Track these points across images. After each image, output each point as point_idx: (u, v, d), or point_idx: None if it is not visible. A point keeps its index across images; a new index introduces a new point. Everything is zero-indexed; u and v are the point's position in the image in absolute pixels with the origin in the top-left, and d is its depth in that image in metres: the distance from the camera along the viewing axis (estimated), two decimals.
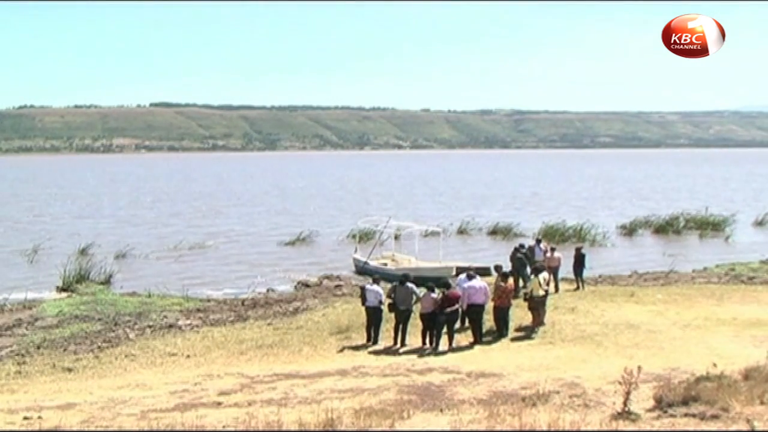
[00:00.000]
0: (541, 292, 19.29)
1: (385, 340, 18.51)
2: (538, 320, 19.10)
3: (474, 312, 18.21)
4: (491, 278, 22.08)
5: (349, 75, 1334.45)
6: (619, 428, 9.20)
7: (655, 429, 9.08)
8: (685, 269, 32.42)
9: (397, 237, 36.90)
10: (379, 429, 9.81)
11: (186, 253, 40.53)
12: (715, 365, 11.77)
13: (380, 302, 18.79)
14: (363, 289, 19.59)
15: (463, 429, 9.62)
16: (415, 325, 18.36)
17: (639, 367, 10.03)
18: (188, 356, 18.15)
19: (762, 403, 9.68)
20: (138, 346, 19.32)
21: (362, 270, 31.95)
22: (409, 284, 18.61)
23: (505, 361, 15.71)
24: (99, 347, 19.30)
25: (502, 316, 18.65)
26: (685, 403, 9.81)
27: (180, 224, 55.55)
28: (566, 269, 26.41)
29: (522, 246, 26.21)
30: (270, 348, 18.49)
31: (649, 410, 9.87)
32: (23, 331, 21.50)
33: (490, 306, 18.68)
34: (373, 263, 31.81)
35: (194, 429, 10.45)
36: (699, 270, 32.56)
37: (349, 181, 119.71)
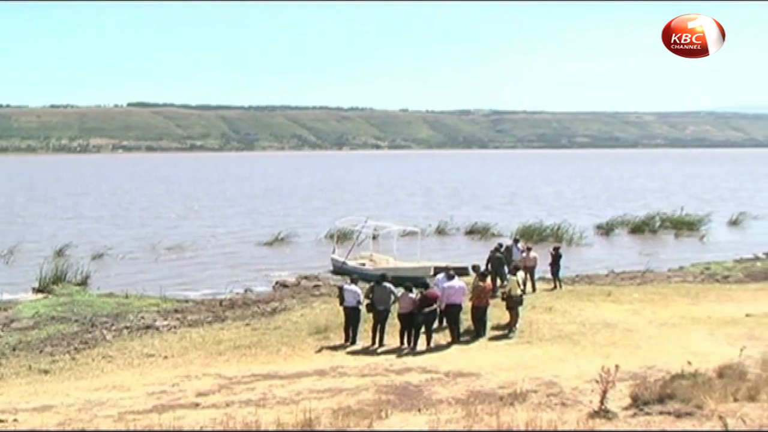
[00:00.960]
0: (519, 292, 19.39)
1: (363, 340, 18.51)
2: (515, 320, 19.19)
3: (452, 312, 18.26)
4: (469, 278, 22.18)
5: (327, 75, 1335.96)
6: (596, 427, 9.29)
7: (631, 427, 9.17)
8: (661, 268, 32.74)
9: (375, 237, 36.94)
10: (358, 429, 9.84)
11: (163, 253, 40.31)
12: (689, 363, 11.89)
13: (358, 302, 18.79)
14: (341, 289, 19.57)
15: (440, 429, 9.67)
16: (393, 325, 18.37)
17: (616, 366, 10.14)
18: (166, 357, 18.07)
19: (735, 400, 9.81)
20: (115, 347, 19.22)
21: (340, 270, 31.94)
22: (387, 284, 18.63)
23: (483, 361, 15.77)
24: (76, 348, 19.17)
25: (480, 315, 18.72)
26: (660, 401, 9.93)
27: (158, 225, 55.21)
28: (543, 269, 26.56)
29: (500, 246, 26.34)
30: (248, 348, 18.45)
31: (626, 408, 9.97)
32: None
33: (468, 306, 18.74)
34: (351, 263, 31.81)
35: (172, 430, 10.43)
36: (675, 269, 32.88)
37: (326, 182, 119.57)
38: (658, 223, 49.08)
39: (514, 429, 8.97)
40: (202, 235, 48.14)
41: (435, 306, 18.02)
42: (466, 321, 18.76)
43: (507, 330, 19.00)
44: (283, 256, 39.88)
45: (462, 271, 25.23)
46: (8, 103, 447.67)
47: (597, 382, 9.94)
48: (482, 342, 18.19)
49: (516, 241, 27.93)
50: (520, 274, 20.19)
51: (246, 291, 29.17)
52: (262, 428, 9.99)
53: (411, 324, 17.94)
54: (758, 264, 34.48)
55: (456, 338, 18.21)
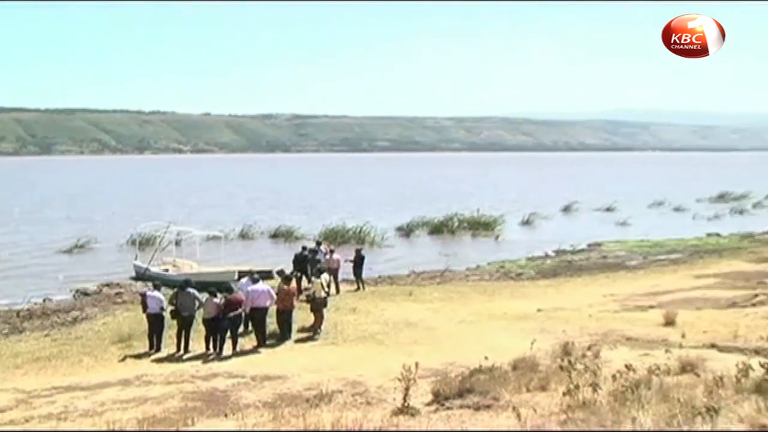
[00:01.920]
0: (323, 294, 19.55)
1: (168, 347, 18.06)
2: (320, 322, 19.33)
3: (257, 315, 18.16)
4: (274, 281, 22.14)
5: (128, 78, 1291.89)
6: (399, 423, 9.49)
7: (432, 422, 9.42)
8: (459, 268, 33.98)
9: (178, 242, 36.12)
10: None
11: None
12: (486, 358, 12.39)
13: (162, 309, 18.36)
14: (144, 295, 19.06)
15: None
16: (198, 331, 18.05)
17: (417, 364, 10.39)
18: None
19: (528, 390, 10.30)
20: None
21: (143, 276, 30.96)
22: (191, 290, 18.32)
23: (290, 364, 15.79)
24: None
25: (285, 318, 18.70)
26: (460, 395, 10.26)
27: None
28: (346, 270, 26.89)
29: (304, 248, 26.49)
30: (48, 360, 17.55)
31: (428, 404, 10.26)
32: None
33: (273, 309, 18.70)
34: (154, 269, 30.94)
35: None
36: (472, 268, 34.23)
37: (128, 186, 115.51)
38: (456, 224, 50.77)
39: (320, 429, 9.03)
40: None
41: (240, 310, 17.87)
42: (271, 324, 18.69)
43: (312, 332, 19.09)
44: (84, 263, 38.18)
45: (266, 275, 25.15)
46: None
47: (400, 380, 10.16)
48: (288, 345, 18.19)
49: (319, 243, 28.19)
50: (324, 277, 20.36)
51: (45, 300, 27.60)
52: None
53: (216, 329, 17.69)
54: (548, 261, 36.56)
55: (262, 342, 18.11)
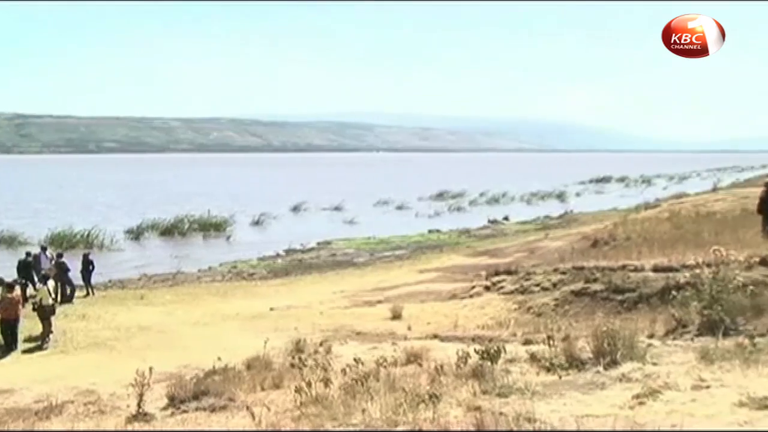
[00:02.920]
0: (50, 301, 18.71)
1: None
2: (48, 330, 18.47)
3: None
4: None
5: None
6: (135, 429, 9.37)
7: (168, 426, 9.38)
8: (191, 269, 33.60)
9: None
10: None
11: None
12: (220, 359, 12.48)
13: None
14: None
15: None
16: None
17: (150, 368, 10.28)
18: None
19: (263, 389, 10.49)
20: None
21: None
22: None
23: (17, 375, 14.98)
24: None
25: (9, 328, 17.73)
26: (196, 397, 10.26)
27: None
28: (75, 275, 25.77)
29: (28, 254, 25.12)
30: None
31: (164, 408, 10.18)
32: None
33: None
34: None
35: None
36: (204, 269, 33.99)
37: None
38: (187, 226, 50.11)
39: None
40: None
41: None
42: None
43: (40, 341, 18.24)
44: None
45: None
46: None
47: (133, 386, 10.02)
48: (15, 356, 17.27)
49: (44, 249, 26.78)
50: (51, 283, 19.47)
51: None
52: None
53: None
54: (279, 261, 37.06)
55: None
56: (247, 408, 8.93)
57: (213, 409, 9.71)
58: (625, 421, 6.25)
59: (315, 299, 24.06)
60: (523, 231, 48.38)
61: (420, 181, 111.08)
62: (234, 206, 64.13)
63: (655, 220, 33.64)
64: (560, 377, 8.35)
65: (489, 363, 8.91)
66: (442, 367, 9.27)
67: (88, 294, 25.15)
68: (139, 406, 9.90)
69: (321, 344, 14.51)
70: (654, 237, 27.49)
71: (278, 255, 39.18)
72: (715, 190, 54.19)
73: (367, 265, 34.31)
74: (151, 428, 9.37)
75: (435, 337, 15.27)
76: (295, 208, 66.36)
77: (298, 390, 8.97)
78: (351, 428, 6.98)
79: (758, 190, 26.95)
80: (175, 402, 10.30)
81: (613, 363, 8.53)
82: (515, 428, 6.19)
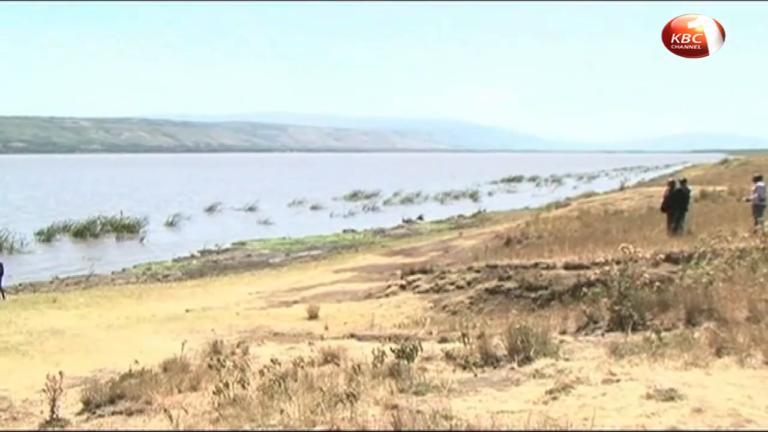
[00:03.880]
0: None
1: None
2: None
3: None
4: None
5: None
6: None
7: (83, 431, 9.27)
8: (105, 272, 33.00)
9: None
10: None
11: None
12: (137, 362, 12.32)
13: None
14: None
15: None
16: None
17: (61, 373, 10.07)
18: None
19: (180, 391, 10.41)
20: None
21: None
22: None
23: None
24: None
25: None
26: (112, 401, 10.14)
27: None
28: None
29: None
30: None
31: (79, 413, 10.01)
32: None
33: None
34: None
35: None
36: (118, 272, 33.42)
37: None
38: (99, 227, 49.14)
39: None
40: None
41: None
42: None
43: None
44: None
45: None
46: None
47: (46, 391, 9.84)
48: None
49: None
50: None
51: None
52: None
53: None
54: (194, 262, 36.67)
55: None
56: (165, 411, 8.87)
57: (129, 413, 9.61)
58: (538, 416, 6.44)
59: (231, 300, 23.92)
60: (437, 230, 48.87)
61: (334, 182, 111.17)
62: (147, 207, 63.18)
63: (566, 219, 34.50)
64: (476, 374, 8.53)
65: (405, 361, 9.04)
66: (359, 366, 9.35)
67: None
68: (52, 411, 9.71)
69: (238, 345, 14.46)
70: (565, 235, 28.21)
71: (193, 256, 38.74)
72: (622, 189, 55.70)
73: (283, 266, 34.23)
74: None
75: (352, 336, 15.34)
76: (209, 209, 65.60)
77: (215, 392, 8.95)
78: (269, 429, 7.01)
79: (662, 189, 27.96)
80: (90, 407, 10.16)
81: (527, 359, 8.77)
82: (432, 426, 6.32)
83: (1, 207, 69.10)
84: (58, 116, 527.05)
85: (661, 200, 25.69)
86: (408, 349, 9.22)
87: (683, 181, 26.41)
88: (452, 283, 21.21)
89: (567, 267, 19.22)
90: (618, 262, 12.10)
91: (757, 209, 23.34)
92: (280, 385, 8.76)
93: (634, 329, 10.34)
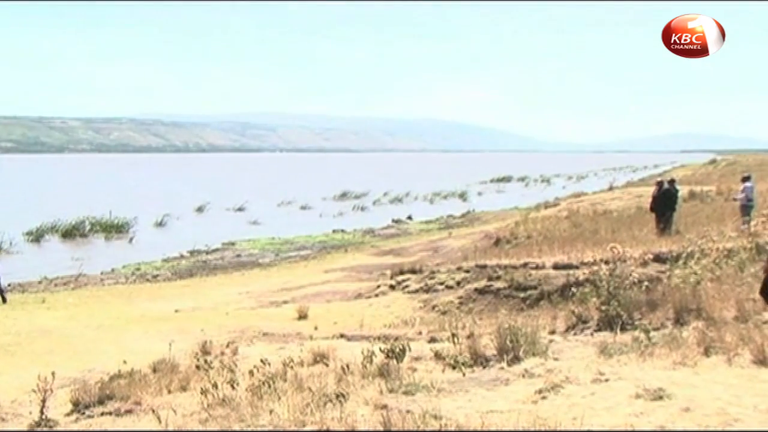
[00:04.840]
0: None
1: None
2: None
3: None
4: None
5: None
6: None
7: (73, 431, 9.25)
8: (94, 272, 32.88)
9: None
10: None
11: None
12: (126, 362, 12.30)
13: None
14: None
15: None
16: None
17: (53, 373, 10.05)
18: None
19: (169, 392, 10.42)
20: None
21: None
22: None
23: None
24: None
25: None
26: (101, 402, 10.12)
27: None
28: None
29: None
30: None
31: (68, 414, 9.99)
32: None
33: None
34: None
35: None
36: (107, 272, 33.33)
37: None
38: (88, 227, 48.98)
39: None
40: None
41: None
42: None
43: None
44: None
45: None
46: None
47: (35, 392, 9.80)
48: None
49: None
50: None
51: None
52: None
53: None
54: (184, 262, 36.60)
55: None
56: (154, 411, 8.86)
57: (119, 414, 9.59)
58: (528, 415, 6.47)
59: (221, 300, 23.89)
60: (426, 230, 48.92)
61: (323, 182, 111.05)
62: (136, 207, 62.94)
63: (555, 219, 34.58)
64: (465, 374, 8.56)
65: (395, 361, 9.06)
66: (348, 366, 9.37)
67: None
68: (41, 412, 9.67)
69: (228, 345, 14.45)
70: (554, 235, 28.30)
71: (182, 256, 38.65)
72: (611, 189, 55.82)
73: (273, 266, 34.20)
74: None
75: (341, 336, 15.33)
76: (199, 209, 65.45)
77: (204, 392, 8.95)
78: (259, 429, 7.02)
79: (651, 189, 28.06)
80: (79, 407, 10.13)
81: (516, 359, 8.80)
82: (422, 426, 6.34)
83: None
84: (47, 116, 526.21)
85: (650, 200, 25.78)
86: (397, 349, 9.25)
87: (671, 181, 26.52)
88: (442, 283, 21.25)
89: (556, 267, 19.28)
90: (607, 262, 12.14)
91: (745, 209, 23.44)
92: (269, 385, 8.77)
93: (623, 329, 10.38)
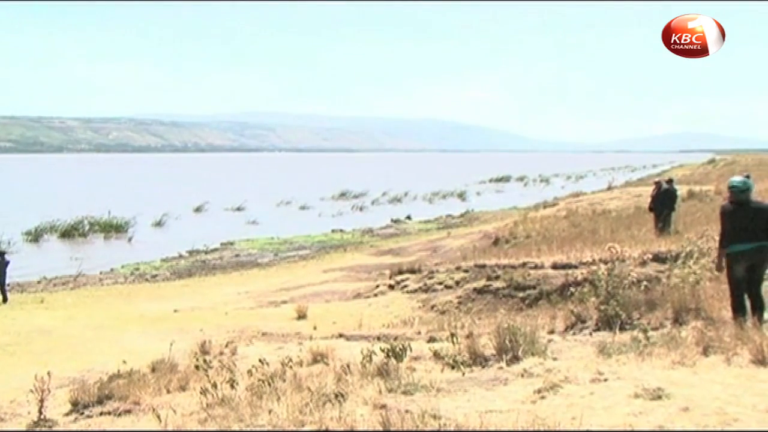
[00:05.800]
0: None
1: None
2: None
3: None
4: None
5: None
6: None
7: (72, 431, 9.25)
8: (93, 272, 32.90)
9: None
10: None
11: None
12: (125, 362, 12.29)
13: None
14: None
15: None
16: None
17: (50, 373, 10.04)
18: None
19: (168, 392, 10.42)
20: None
21: None
22: None
23: None
24: None
25: None
26: (100, 402, 10.12)
27: None
28: None
29: None
30: None
31: (67, 414, 9.98)
32: None
33: None
34: None
35: None
36: (106, 271, 33.34)
37: None
38: (87, 227, 49.01)
39: None
40: None
41: None
42: None
43: None
44: None
45: None
46: None
47: (33, 392, 9.80)
48: None
49: None
50: None
51: None
52: None
53: None
54: (183, 262, 36.62)
55: None
56: (153, 411, 8.85)
57: (118, 414, 9.59)
58: (527, 415, 6.47)
59: (219, 300, 23.90)
60: (425, 230, 48.94)
61: (322, 181, 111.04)
62: (135, 207, 62.91)
63: (554, 219, 34.60)
64: (464, 374, 8.55)
65: (394, 361, 9.05)
66: (347, 366, 9.36)
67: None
68: (40, 412, 9.67)
69: (226, 345, 14.44)
70: (553, 235, 28.32)
71: (181, 256, 38.65)
72: (610, 188, 55.87)
73: (272, 266, 34.21)
74: None
75: (340, 336, 15.32)
76: (198, 209, 65.48)
77: (203, 392, 8.94)
78: (257, 429, 7.01)
79: (650, 189, 28.09)
80: (78, 407, 10.13)
81: (515, 359, 8.79)
82: (421, 426, 6.33)
83: None
84: (46, 116, 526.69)
85: (649, 200, 25.80)
86: (397, 349, 9.24)
87: (670, 181, 26.53)
88: (440, 283, 21.26)
89: (555, 266, 19.29)
90: (605, 262, 12.14)
91: None
92: (268, 385, 8.76)
93: (622, 328, 10.39)
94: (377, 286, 23.41)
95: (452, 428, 6.26)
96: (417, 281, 22.15)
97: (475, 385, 7.92)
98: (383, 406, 7.07)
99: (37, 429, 9.48)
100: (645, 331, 9.27)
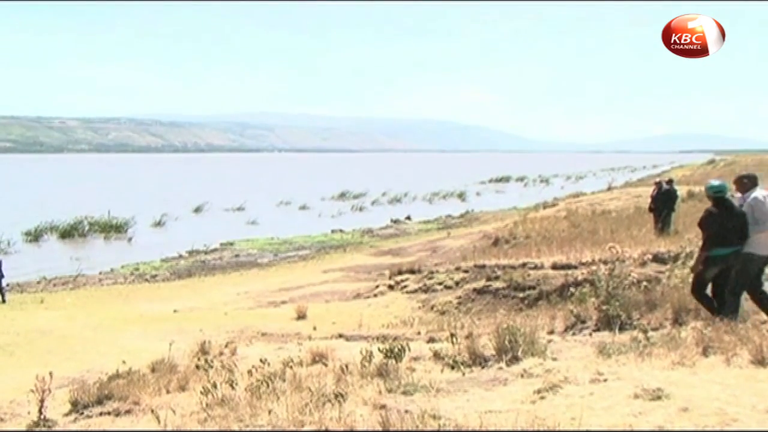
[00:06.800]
0: None
1: None
2: None
3: None
4: None
5: None
6: None
7: (72, 431, 9.24)
8: (92, 272, 32.89)
9: None
10: None
11: None
12: (124, 362, 12.28)
13: None
14: None
15: None
16: None
17: (51, 373, 10.04)
18: None
19: (168, 392, 10.41)
20: None
21: None
22: None
23: None
24: None
25: None
26: (99, 402, 10.10)
27: None
28: None
29: None
30: None
31: (66, 414, 9.97)
32: None
33: None
34: None
35: None
36: (106, 272, 33.33)
37: None
38: (87, 227, 49.00)
39: None
40: None
41: None
42: None
43: None
44: None
45: None
46: None
47: (33, 392, 9.80)
48: None
49: None
50: None
51: None
52: None
53: None
54: (182, 262, 36.60)
55: None
56: (153, 411, 8.84)
57: (117, 414, 9.57)
58: (526, 415, 6.47)
59: (219, 300, 23.89)
60: (425, 230, 48.94)
61: (322, 182, 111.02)
62: (134, 207, 62.89)
63: (554, 219, 34.58)
64: (464, 374, 8.55)
65: (394, 361, 9.05)
66: (347, 366, 9.36)
67: None
68: (40, 412, 9.66)
69: (226, 345, 14.43)
70: (553, 235, 28.30)
71: (181, 256, 38.65)
72: (609, 189, 55.87)
73: (271, 266, 34.21)
74: None
75: (340, 336, 15.32)
76: (197, 209, 65.43)
77: (203, 392, 8.94)
78: (257, 429, 7.01)
79: (650, 189, 28.10)
80: (78, 407, 10.12)
81: (515, 359, 8.79)
82: (420, 426, 6.33)
83: None
84: (46, 116, 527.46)
85: (648, 200, 25.82)
86: (396, 349, 9.24)
87: (670, 182, 26.53)
88: (440, 283, 21.26)
89: (555, 267, 19.29)
90: (605, 262, 12.18)
91: None
92: (268, 385, 8.75)
93: (622, 329, 10.40)
94: (377, 287, 23.41)
95: (452, 428, 6.26)
96: (417, 281, 22.15)
97: (474, 385, 7.92)
98: (383, 407, 7.07)
99: (37, 429, 9.47)
100: (645, 331, 9.28)
